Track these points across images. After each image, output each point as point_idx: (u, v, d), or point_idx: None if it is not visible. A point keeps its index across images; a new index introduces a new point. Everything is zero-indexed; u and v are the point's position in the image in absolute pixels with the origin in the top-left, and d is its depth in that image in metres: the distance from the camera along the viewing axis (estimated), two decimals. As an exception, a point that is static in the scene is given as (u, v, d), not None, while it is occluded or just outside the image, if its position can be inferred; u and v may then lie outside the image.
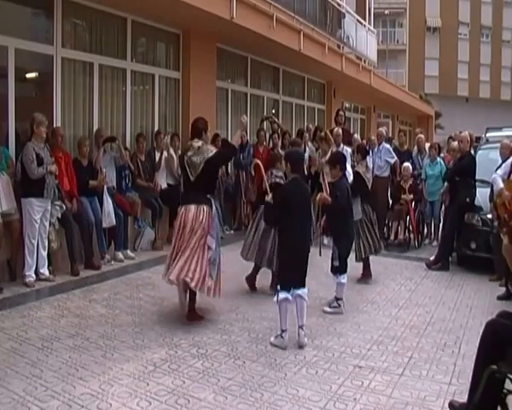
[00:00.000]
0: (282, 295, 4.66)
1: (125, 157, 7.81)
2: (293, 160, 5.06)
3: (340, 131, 9.68)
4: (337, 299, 5.74)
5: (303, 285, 4.79)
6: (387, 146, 10.48)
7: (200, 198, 5.22)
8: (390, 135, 11.95)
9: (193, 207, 5.18)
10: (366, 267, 7.17)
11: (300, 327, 4.75)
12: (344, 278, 5.72)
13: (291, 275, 4.76)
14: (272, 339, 4.79)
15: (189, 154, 5.30)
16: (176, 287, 5.55)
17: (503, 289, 6.53)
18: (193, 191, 5.29)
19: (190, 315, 5.31)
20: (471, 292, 6.72)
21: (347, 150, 8.70)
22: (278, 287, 4.75)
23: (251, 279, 6.46)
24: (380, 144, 10.36)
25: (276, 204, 4.87)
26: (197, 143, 5.33)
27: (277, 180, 6.14)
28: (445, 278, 7.39)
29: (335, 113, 11.18)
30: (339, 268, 5.71)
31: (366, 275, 7.16)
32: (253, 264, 6.43)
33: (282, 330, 4.71)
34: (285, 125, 12.38)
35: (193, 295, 5.30)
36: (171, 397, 3.73)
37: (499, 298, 6.30)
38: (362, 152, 7.17)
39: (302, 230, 4.84)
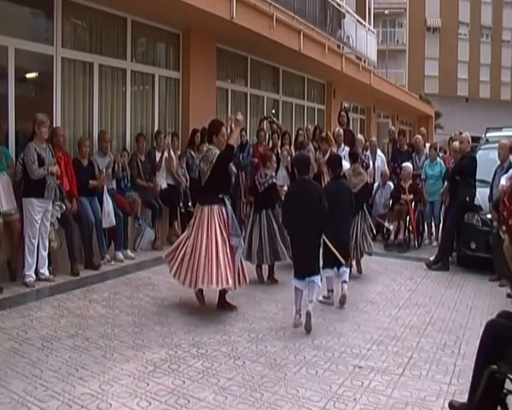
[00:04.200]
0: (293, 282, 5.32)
1: (120, 173, 7.81)
2: (298, 165, 5.57)
3: (342, 131, 9.68)
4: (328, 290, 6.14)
5: (313, 273, 5.28)
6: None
7: (212, 199, 5.49)
8: (396, 136, 11.78)
9: (206, 209, 5.47)
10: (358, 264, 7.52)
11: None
12: (326, 273, 6.01)
13: (301, 264, 5.37)
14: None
15: (199, 158, 5.69)
16: (176, 287, 5.57)
17: (502, 290, 6.53)
18: (205, 193, 5.60)
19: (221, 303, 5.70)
20: (471, 292, 6.72)
21: (347, 150, 8.71)
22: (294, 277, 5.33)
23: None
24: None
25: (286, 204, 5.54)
26: (206, 147, 5.58)
27: (273, 181, 6.82)
28: (445, 278, 7.40)
29: (338, 113, 11.19)
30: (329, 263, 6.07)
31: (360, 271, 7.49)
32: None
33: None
34: (285, 125, 12.37)
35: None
36: (171, 397, 3.73)
37: (509, 296, 6.27)
38: (352, 156, 7.53)
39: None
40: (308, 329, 5.07)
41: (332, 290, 6.09)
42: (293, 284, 5.33)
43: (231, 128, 5.68)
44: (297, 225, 5.29)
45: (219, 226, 5.42)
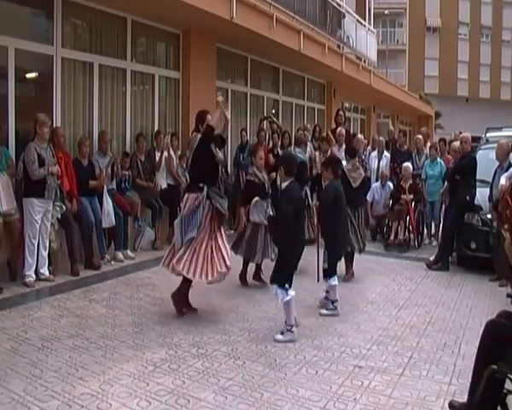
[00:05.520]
0: (292, 293, 4.86)
1: (120, 173, 7.83)
2: (285, 163, 5.15)
3: (344, 131, 9.69)
4: (332, 302, 5.70)
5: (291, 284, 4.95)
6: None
7: (190, 187, 5.51)
8: (395, 135, 11.98)
9: (185, 196, 5.48)
10: (349, 265, 7.14)
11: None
12: (334, 280, 5.68)
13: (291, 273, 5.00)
14: (280, 337, 4.85)
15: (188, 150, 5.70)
16: (176, 287, 5.58)
17: (502, 290, 6.53)
18: (189, 181, 5.68)
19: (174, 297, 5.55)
20: (471, 292, 6.72)
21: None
22: (287, 286, 4.86)
23: (243, 275, 6.76)
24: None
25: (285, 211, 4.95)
26: (194, 136, 5.55)
27: (249, 177, 6.68)
28: (445, 278, 7.40)
29: (336, 112, 11.18)
30: (328, 271, 5.74)
31: (348, 273, 7.15)
32: (242, 261, 6.72)
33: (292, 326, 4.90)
34: (285, 125, 12.37)
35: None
36: (171, 397, 3.73)
37: (509, 296, 6.26)
38: (349, 152, 7.47)
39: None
40: None
41: (337, 300, 5.70)
42: (290, 297, 4.85)
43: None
44: (298, 230, 5.02)
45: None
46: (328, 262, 5.78)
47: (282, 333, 4.88)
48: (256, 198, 6.49)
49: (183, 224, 5.29)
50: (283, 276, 4.92)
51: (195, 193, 5.31)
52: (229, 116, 5.62)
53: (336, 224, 5.78)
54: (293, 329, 4.89)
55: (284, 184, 5.04)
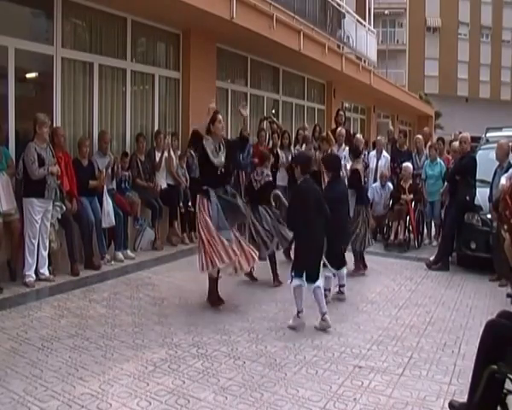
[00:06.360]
0: (296, 281, 5.15)
1: (120, 173, 7.84)
2: (302, 162, 5.50)
3: (344, 131, 9.69)
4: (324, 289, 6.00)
5: (318, 277, 5.22)
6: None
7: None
8: (395, 136, 12.11)
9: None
10: (357, 260, 7.53)
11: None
12: (327, 273, 5.92)
13: (305, 265, 5.21)
14: (290, 321, 5.24)
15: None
16: (176, 287, 5.60)
17: (502, 290, 6.53)
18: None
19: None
20: (471, 292, 6.72)
21: (347, 150, 8.74)
22: (293, 274, 5.20)
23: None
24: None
25: (293, 204, 5.45)
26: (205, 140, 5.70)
27: (269, 178, 6.86)
28: (445, 278, 7.40)
29: (336, 112, 11.18)
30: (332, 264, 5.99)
31: (358, 268, 7.52)
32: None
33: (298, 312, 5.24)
34: (285, 125, 12.37)
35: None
36: (171, 397, 3.73)
37: (509, 296, 6.26)
38: (353, 152, 7.73)
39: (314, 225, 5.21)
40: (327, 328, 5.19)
41: (329, 290, 6.08)
42: (295, 284, 5.16)
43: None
44: (308, 225, 5.12)
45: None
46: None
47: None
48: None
49: None
50: (293, 265, 5.32)
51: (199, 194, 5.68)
52: (245, 114, 6.06)
53: (337, 221, 5.92)
54: (300, 315, 5.21)
55: (300, 181, 5.41)
